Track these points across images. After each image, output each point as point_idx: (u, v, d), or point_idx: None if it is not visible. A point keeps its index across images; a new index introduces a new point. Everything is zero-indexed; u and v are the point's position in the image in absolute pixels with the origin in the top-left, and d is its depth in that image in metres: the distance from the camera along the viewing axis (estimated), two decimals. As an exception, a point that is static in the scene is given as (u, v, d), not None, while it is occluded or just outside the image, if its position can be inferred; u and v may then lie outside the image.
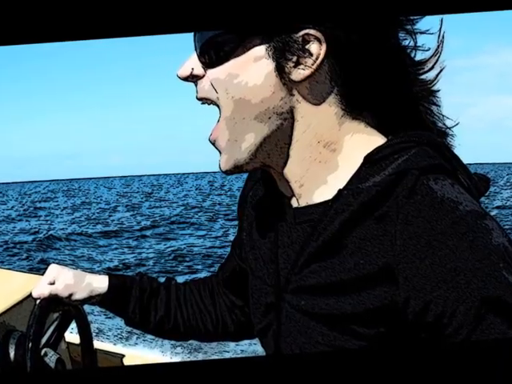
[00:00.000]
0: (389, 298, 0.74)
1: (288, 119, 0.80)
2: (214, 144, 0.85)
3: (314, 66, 0.77)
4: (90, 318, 1.29)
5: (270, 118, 0.80)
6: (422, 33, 0.82)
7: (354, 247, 0.76)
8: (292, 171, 0.84)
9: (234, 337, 1.26)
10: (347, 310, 0.76)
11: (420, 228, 0.71)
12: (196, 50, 0.82)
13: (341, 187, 0.79)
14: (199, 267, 12.04)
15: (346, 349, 0.78)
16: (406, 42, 0.83)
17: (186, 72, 0.83)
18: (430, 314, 0.71)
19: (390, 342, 0.76)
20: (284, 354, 0.86)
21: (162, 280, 1.25)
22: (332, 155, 0.81)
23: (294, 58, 0.77)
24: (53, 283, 1.14)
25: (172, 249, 14.73)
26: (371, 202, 0.75)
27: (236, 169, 0.83)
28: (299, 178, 0.83)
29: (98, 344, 1.93)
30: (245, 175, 1.03)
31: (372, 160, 0.78)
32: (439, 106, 0.86)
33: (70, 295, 1.14)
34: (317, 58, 0.77)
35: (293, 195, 0.86)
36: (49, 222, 24.08)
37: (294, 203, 0.87)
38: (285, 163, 0.83)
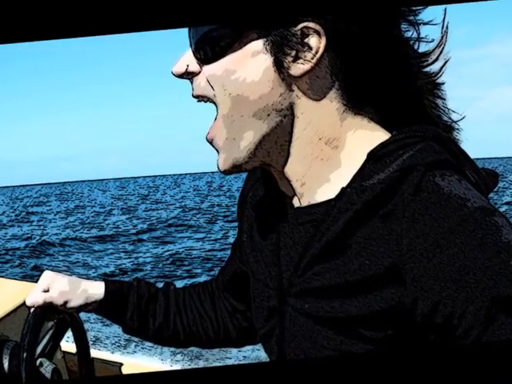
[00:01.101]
0: (396, 300, 0.74)
1: (288, 116, 0.80)
2: (211, 143, 0.85)
3: (314, 60, 0.77)
4: (86, 325, 1.29)
5: (268, 114, 0.80)
6: (425, 24, 0.82)
7: (359, 247, 0.76)
8: (293, 170, 0.83)
9: (236, 342, 1.26)
10: (353, 312, 0.76)
11: (427, 226, 0.71)
12: (191, 45, 0.82)
13: (344, 185, 0.79)
14: (198, 271, 12.05)
15: (352, 353, 0.78)
16: (409, 34, 0.83)
17: (181, 69, 0.83)
18: (439, 315, 0.71)
19: (398, 345, 0.76)
20: (288, 360, 0.86)
21: (161, 285, 1.25)
22: (334, 152, 0.81)
23: (293, 53, 0.77)
24: (47, 290, 1.14)
25: (170, 253, 14.74)
26: (376, 199, 0.75)
27: (235, 168, 0.83)
28: (300, 177, 0.83)
29: (95, 353, 1.93)
30: (244, 175, 1.03)
31: (376, 156, 0.78)
32: (444, 100, 0.86)
33: (66, 302, 1.14)
34: (316, 52, 0.77)
35: (294, 194, 0.86)
36: (42, 228, 24.10)
37: (296, 203, 0.86)
38: (285, 162, 0.83)
